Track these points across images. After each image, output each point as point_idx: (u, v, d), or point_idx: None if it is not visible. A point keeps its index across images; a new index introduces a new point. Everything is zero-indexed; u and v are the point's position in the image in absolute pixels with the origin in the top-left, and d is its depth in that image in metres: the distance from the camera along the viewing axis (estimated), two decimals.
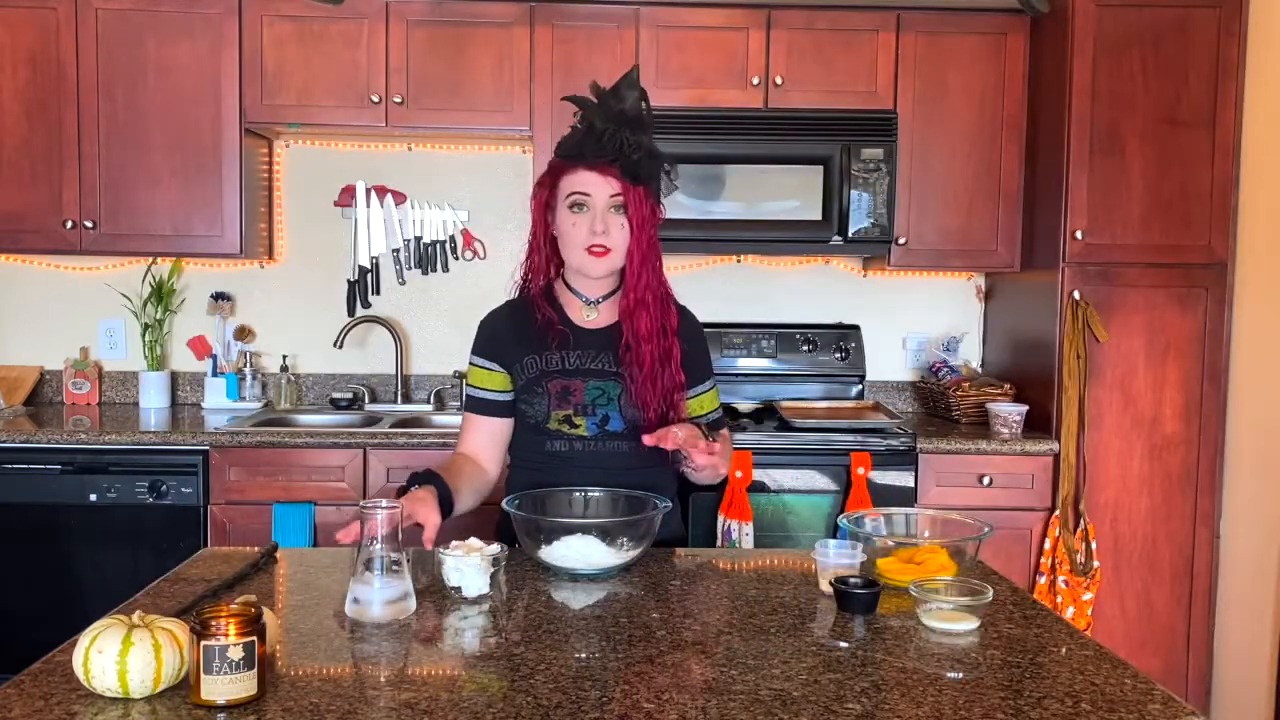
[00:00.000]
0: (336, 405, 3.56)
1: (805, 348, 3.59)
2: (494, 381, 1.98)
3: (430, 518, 1.72)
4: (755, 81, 3.29)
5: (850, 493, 3.02)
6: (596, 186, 1.85)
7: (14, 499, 3.01)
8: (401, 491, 1.79)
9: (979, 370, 3.72)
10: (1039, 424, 3.25)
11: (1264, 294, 3.07)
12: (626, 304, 1.89)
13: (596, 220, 1.85)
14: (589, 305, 1.96)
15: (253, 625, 1.18)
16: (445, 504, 1.79)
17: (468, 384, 2.03)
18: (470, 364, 2.01)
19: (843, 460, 3.05)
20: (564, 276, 1.99)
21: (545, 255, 1.96)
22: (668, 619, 1.51)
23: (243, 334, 3.64)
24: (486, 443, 1.99)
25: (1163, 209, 3.15)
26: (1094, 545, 3.13)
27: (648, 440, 1.79)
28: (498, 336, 1.98)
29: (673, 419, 1.91)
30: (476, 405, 1.99)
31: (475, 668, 1.34)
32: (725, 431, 2.12)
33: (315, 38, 3.26)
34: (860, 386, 3.61)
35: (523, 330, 1.96)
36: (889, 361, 3.78)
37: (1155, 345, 3.17)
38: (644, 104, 1.88)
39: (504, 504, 1.78)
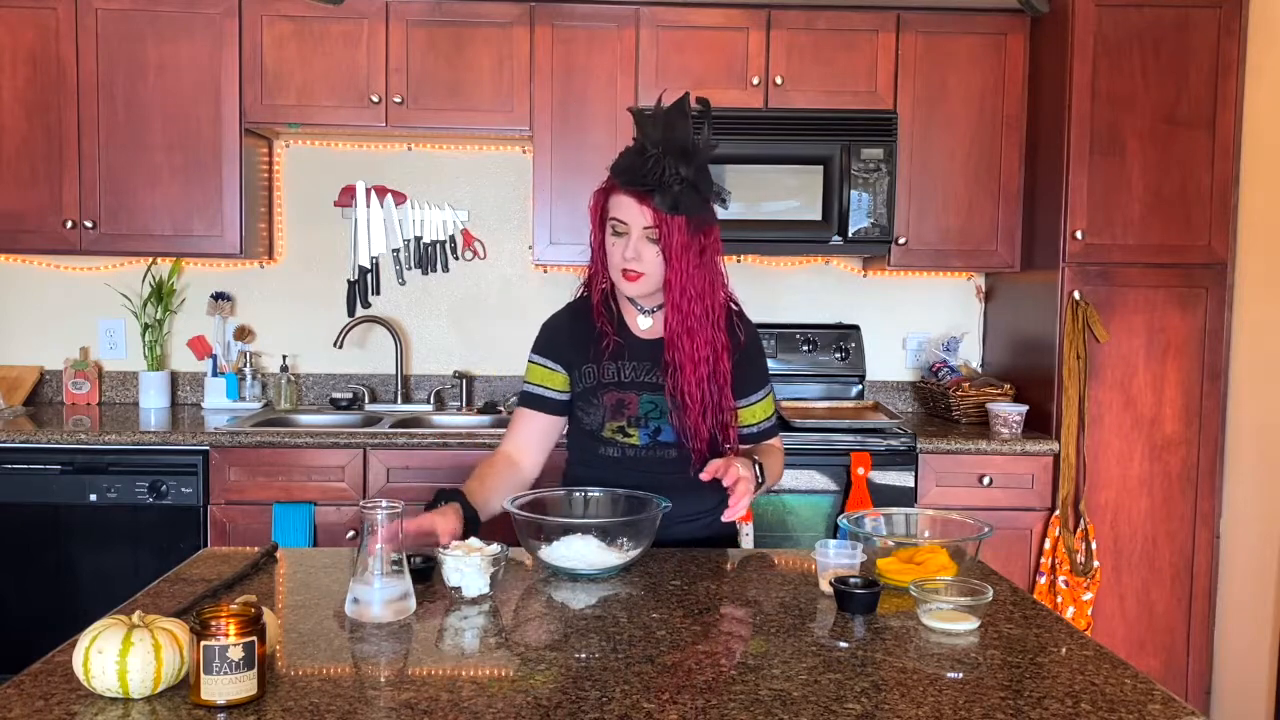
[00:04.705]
0: (336, 405, 3.56)
1: (805, 348, 3.59)
2: (555, 381, 2.00)
3: (447, 526, 1.73)
4: (755, 81, 3.30)
5: (850, 493, 3.02)
6: (632, 214, 1.85)
7: (14, 499, 3.01)
8: (428, 508, 1.79)
9: (979, 370, 3.72)
10: (1039, 424, 3.25)
11: (1264, 294, 3.07)
12: (670, 333, 1.88)
13: (629, 247, 1.85)
14: (644, 313, 1.97)
15: (253, 625, 1.18)
16: (470, 522, 1.80)
17: (525, 380, 2.04)
18: (530, 362, 2.03)
19: (843, 460, 3.05)
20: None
21: (601, 263, 1.94)
22: (668, 619, 1.51)
23: (243, 334, 3.64)
24: (533, 440, 2.01)
25: (1163, 209, 3.15)
26: (1094, 545, 3.13)
27: (704, 477, 1.79)
28: (560, 339, 2.01)
29: (724, 439, 1.93)
30: (532, 401, 2.00)
31: (475, 668, 1.34)
32: (776, 441, 2.09)
33: (315, 38, 3.26)
34: (860, 386, 3.61)
35: (582, 336, 1.98)
36: (889, 361, 3.78)
37: (1155, 345, 3.17)
38: (698, 130, 1.85)
39: (504, 504, 1.79)
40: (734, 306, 2.00)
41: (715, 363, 1.89)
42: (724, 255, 1.96)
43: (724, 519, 1.79)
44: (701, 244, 1.86)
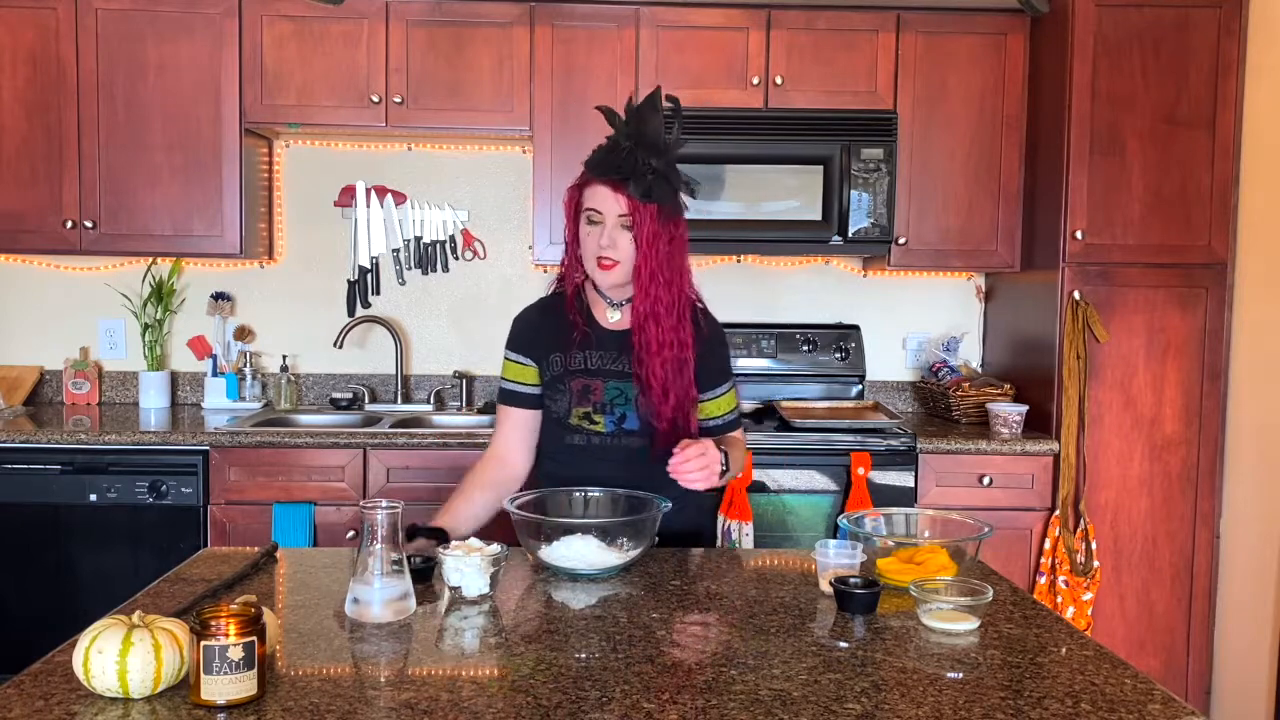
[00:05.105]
0: (336, 405, 3.56)
1: (805, 348, 3.59)
2: (526, 375, 2.07)
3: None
4: (755, 81, 3.30)
5: (850, 493, 3.02)
6: (607, 203, 1.92)
7: (14, 499, 3.01)
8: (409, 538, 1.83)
9: (979, 370, 3.72)
10: (1039, 424, 3.25)
11: (1264, 294, 3.07)
12: (637, 317, 1.95)
13: (604, 235, 1.93)
14: (613, 306, 2.03)
15: (253, 625, 1.18)
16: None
17: (501, 377, 2.12)
18: (505, 358, 2.10)
19: (843, 460, 3.05)
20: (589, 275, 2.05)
21: (575, 257, 2.02)
22: (668, 619, 1.51)
23: (243, 334, 3.64)
24: (518, 435, 2.09)
25: (1163, 209, 3.15)
26: (1094, 545, 3.13)
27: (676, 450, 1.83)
28: (529, 332, 2.08)
29: (685, 428, 1.97)
30: (509, 397, 2.09)
31: (475, 668, 1.34)
32: (738, 434, 2.14)
33: (315, 38, 3.26)
34: (860, 386, 3.61)
35: (552, 328, 2.05)
36: (889, 361, 3.78)
37: (1155, 345, 3.17)
38: (668, 126, 1.94)
39: (505, 504, 1.80)
40: (699, 305, 2.05)
41: (679, 350, 1.94)
42: (690, 254, 2.02)
43: (668, 468, 1.81)
44: (670, 234, 1.94)
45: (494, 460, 2.08)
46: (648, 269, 1.92)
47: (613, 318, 2.03)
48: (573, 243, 2.00)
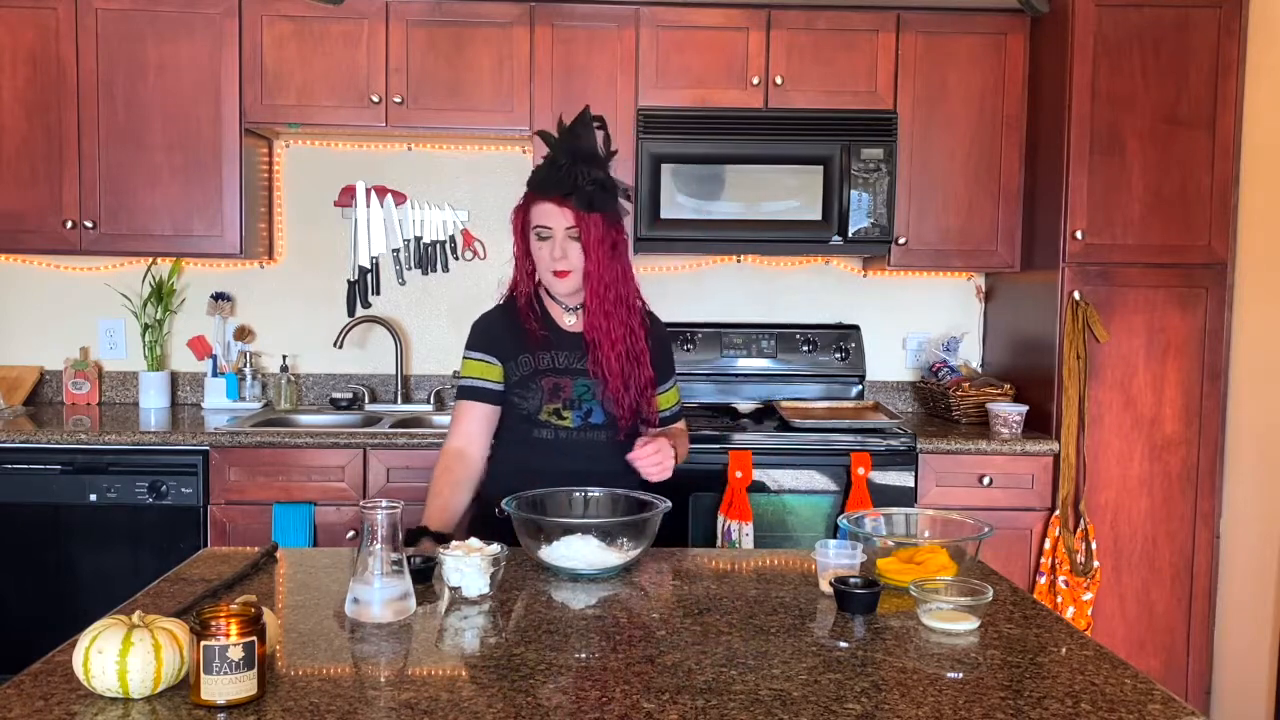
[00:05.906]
0: (336, 405, 3.56)
1: (805, 348, 3.59)
2: (492, 373, 2.16)
3: None
4: (755, 81, 3.30)
5: (850, 493, 3.02)
6: (555, 218, 2.08)
7: (14, 499, 3.01)
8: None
9: (979, 370, 3.72)
10: (1039, 424, 3.25)
11: (1264, 294, 3.07)
12: (590, 319, 2.11)
13: (555, 248, 2.09)
14: (568, 310, 2.19)
15: (253, 625, 1.18)
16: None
17: (462, 376, 2.20)
18: (466, 358, 2.20)
19: (843, 460, 3.05)
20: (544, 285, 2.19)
21: (527, 269, 2.18)
22: (668, 619, 1.51)
23: (242, 334, 3.64)
24: (479, 430, 2.17)
25: (1163, 209, 3.15)
26: (1094, 545, 3.13)
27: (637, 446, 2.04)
28: (494, 334, 2.19)
29: (646, 414, 2.16)
30: (474, 394, 2.17)
31: (475, 668, 1.34)
32: (682, 424, 2.34)
33: (315, 38, 3.26)
34: (860, 386, 3.61)
35: (516, 331, 2.16)
36: (889, 361, 3.78)
37: (1155, 345, 3.17)
38: (600, 138, 2.14)
39: (504, 504, 1.80)
40: (640, 302, 2.20)
41: (632, 341, 2.11)
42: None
43: (629, 456, 2.00)
44: (614, 238, 2.10)
45: (459, 457, 2.14)
46: (597, 272, 2.08)
47: (569, 321, 2.19)
48: (523, 257, 2.16)
